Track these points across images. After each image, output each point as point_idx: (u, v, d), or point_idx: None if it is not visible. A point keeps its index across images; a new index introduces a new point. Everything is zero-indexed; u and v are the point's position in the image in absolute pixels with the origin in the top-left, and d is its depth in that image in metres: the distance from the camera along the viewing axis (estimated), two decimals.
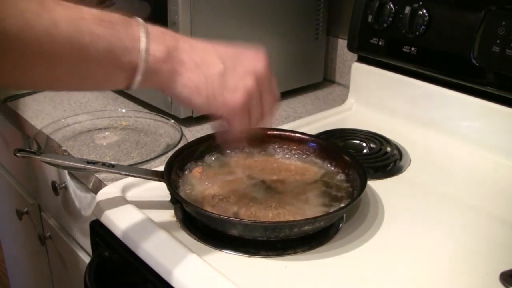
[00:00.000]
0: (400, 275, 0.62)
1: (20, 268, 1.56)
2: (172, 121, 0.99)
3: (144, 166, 0.85)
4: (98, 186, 0.82)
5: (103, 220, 0.71)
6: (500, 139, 0.87)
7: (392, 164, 0.86)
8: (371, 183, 0.79)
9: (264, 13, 1.06)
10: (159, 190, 0.74)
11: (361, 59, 1.08)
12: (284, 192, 0.74)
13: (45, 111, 1.08)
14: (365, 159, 0.85)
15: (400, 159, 0.88)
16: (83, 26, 0.51)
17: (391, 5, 0.96)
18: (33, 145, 0.98)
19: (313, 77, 1.22)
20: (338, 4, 1.21)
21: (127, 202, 0.73)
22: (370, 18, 1.00)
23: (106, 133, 0.99)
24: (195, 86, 0.59)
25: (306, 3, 1.13)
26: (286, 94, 1.16)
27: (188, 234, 0.68)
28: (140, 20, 0.57)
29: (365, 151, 0.90)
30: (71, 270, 1.13)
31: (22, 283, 1.60)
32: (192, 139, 0.84)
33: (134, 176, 0.74)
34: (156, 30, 0.57)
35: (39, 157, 0.74)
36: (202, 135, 0.85)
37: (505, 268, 0.62)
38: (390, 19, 0.97)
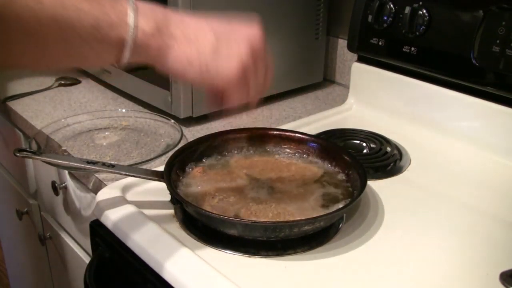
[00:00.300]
0: (400, 275, 0.62)
1: (20, 268, 1.56)
2: (172, 121, 0.99)
3: (144, 166, 0.85)
4: (98, 186, 0.82)
5: (103, 220, 0.71)
6: (500, 139, 0.87)
7: (392, 164, 0.86)
8: (371, 183, 0.79)
9: (264, 13, 1.05)
10: (159, 190, 0.74)
11: (361, 59, 1.08)
12: (284, 192, 0.74)
13: (45, 111, 1.08)
14: (365, 159, 0.85)
15: (400, 159, 0.88)
16: (68, 2, 0.51)
17: (391, 5, 0.96)
18: (33, 145, 0.98)
19: (313, 77, 1.22)
20: (338, 4, 1.21)
21: (127, 202, 0.73)
22: (370, 18, 1.00)
23: (106, 133, 0.99)
24: (187, 59, 0.58)
25: (306, 3, 1.13)
26: (286, 94, 1.16)
27: (188, 234, 0.68)
28: None
29: (365, 151, 0.90)
30: (71, 270, 1.13)
31: (22, 283, 1.60)
32: (192, 139, 0.84)
33: (134, 176, 0.74)
34: (145, 5, 0.56)
35: (39, 157, 0.74)
36: (202, 135, 0.85)
37: (505, 268, 0.62)
38: (390, 19, 0.97)
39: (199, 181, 0.76)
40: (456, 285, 0.61)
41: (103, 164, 0.72)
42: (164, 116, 1.01)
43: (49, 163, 0.83)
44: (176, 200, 0.71)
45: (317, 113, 1.06)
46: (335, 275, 0.62)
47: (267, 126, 1.02)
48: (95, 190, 0.81)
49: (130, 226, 0.68)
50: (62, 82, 1.22)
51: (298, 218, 0.65)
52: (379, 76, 1.03)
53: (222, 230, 0.66)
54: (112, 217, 0.70)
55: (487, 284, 0.61)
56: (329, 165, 0.80)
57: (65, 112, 1.07)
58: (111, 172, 0.74)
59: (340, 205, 0.70)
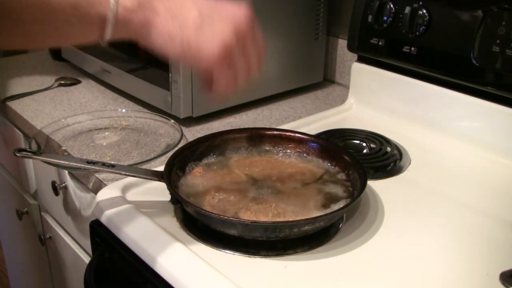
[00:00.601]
0: (400, 275, 0.62)
1: (20, 268, 1.56)
2: (172, 121, 0.99)
3: (144, 166, 0.85)
4: (98, 186, 0.82)
5: (103, 220, 0.71)
6: (500, 139, 0.87)
7: (392, 164, 0.86)
8: (371, 183, 0.79)
9: (264, 13, 1.05)
10: (159, 190, 0.74)
11: (361, 59, 1.08)
12: (284, 192, 0.74)
13: (45, 111, 1.08)
14: (365, 159, 0.85)
15: (400, 159, 0.88)
16: None
17: (391, 5, 0.96)
18: (33, 145, 0.98)
19: (313, 77, 1.22)
20: (338, 4, 1.21)
21: (127, 202, 0.73)
22: (370, 18, 1.00)
23: (106, 133, 0.99)
24: (169, 35, 0.57)
25: (306, 3, 1.13)
26: (286, 94, 1.16)
27: (188, 234, 0.68)
28: None
29: (365, 151, 0.90)
30: (71, 270, 1.13)
31: (22, 283, 1.60)
32: (192, 139, 0.84)
33: (134, 176, 0.74)
34: None
35: (39, 157, 0.74)
36: (202, 135, 0.85)
37: (505, 268, 0.62)
38: (390, 19, 0.97)
39: (199, 181, 0.76)
40: (456, 285, 0.61)
41: (103, 164, 0.72)
42: (164, 116, 1.01)
43: (49, 163, 0.83)
44: (176, 200, 0.71)
45: (317, 113, 1.06)
46: (335, 275, 0.62)
47: (267, 126, 1.02)
48: (95, 190, 0.81)
49: (130, 226, 0.68)
50: (62, 82, 1.22)
51: (298, 218, 0.65)
52: (379, 76, 1.03)
53: (222, 230, 0.66)
54: (112, 217, 0.70)
55: (487, 284, 0.61)
56: (329, 165, 0.80)
57: (65, 112, 1.07)
58: (111, 172, 0.74)
59: (340, 205, 0.70)
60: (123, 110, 1.07)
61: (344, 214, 0.71)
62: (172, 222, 0.70)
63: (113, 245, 0.70)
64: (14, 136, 1.18)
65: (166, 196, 0.73)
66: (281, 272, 0.62)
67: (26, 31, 0.53)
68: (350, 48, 1.07)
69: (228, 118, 1.06)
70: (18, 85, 1.21)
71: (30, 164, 1.17)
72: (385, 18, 0.97)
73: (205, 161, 0.81)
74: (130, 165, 0.84)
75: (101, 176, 0.83)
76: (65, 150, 0.93)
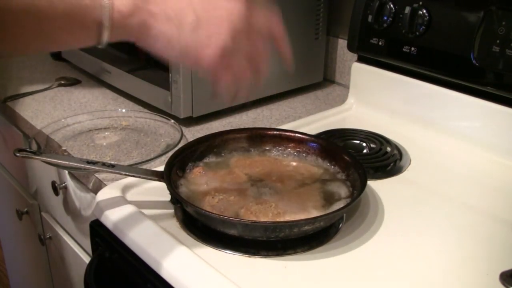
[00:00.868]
0: (400, 274, 0.62)
1: (20, 268, 1.56)
2: (172, 121, 0.99)
3: (144, 166, 0.85)
4: (98, 186, 0.82)
5: (103, 220, 0.71)
6: (500, 139, 0.87)
7: (392, 164, 0.86)
8: (371, 183, 0.79)
9: None
10: (159, 190, 0.74)
11: (361, 59, 1.08)
12: (284, 192, 0.74)
13: (45, 111, 1.08)
14: (365, 159, 0.85)
15: (400, 159, 0.88)
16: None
17: (391, 5, 0.96)
18: (33, 145, 0.98)
19: (313, 77, 1.22)
20: (338, 4, 1.21)
21: (127, 202, 0.73)
22: (370, 18, 1.00)
23: (106, 133, 0.99)
24: (167, 39, 0.57)
25: (306, 3, 1.13)
26: (286, 94, 1.16)
27: (188, 234, 0.68)
28: None
29: (365, 151, 0.90)
30: (71, 270, 1.12)
31: (22, 283, 1.60)
32: (192, 139, 0.84)
33: (134, 176, 0.74)
34: None
35: (39, 157, 0.74)
36: (202, 135, 0.85)
37: (505, 268, 0.62)
38: (390, 19, 0.97)
39: (199, 181, 0.76)
40: (456, 285, 0.61)
41: (103, 164, 0.72)
42: (164, 116, 1.01)
43: (49, 163, 0.83)
44: (176, 200, 0.71)
45: (317, 113, 1.06)
46: (335, 275, 0.62)
47: (267, 126, 1.02)
48: (95, 190, 0.81)
49: (130, 226, 0.68)
50: (62, 82, 1.22)
51: (298, 218, 0.65)
52: (379, 76, 1.03)
53: (222, 230, 0.66)
54: (112, 217, 0.70)
55: (487, 284, 0.61)
56: (329, 165, 0.80)
57: (65, 112, 1.07)
58: (111, 172, 0.74)
59: (340, 205, 0.70)
60: (123, 110, 1.07)
61: (344, 214, 0.71)
62: (172, 222, 0.70)
63: (113, 245, 0.70)
64: (14, 136, 1.18)
65: (166, 196, 0.73)
66: (281, 272, 0.62)
67: (18, 38, 0.52)
68: (350, 48, 1.07)
69: (228, 118, 1.06)
70: (18, 85, 1.21)
71: (30, 164, 1.17)
72: (385, 18, 0.97)
73: (205, 161, 0.81)
74: (130, 165, 0.84)
75: (101, 176, 0.83)
76: (65, 150, 0.93)
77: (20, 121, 1.08)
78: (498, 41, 0.83)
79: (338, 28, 1.22)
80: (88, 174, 0.86)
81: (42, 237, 1.20)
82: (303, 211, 0.69)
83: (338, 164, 0.79)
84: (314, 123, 1.00)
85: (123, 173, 0.73)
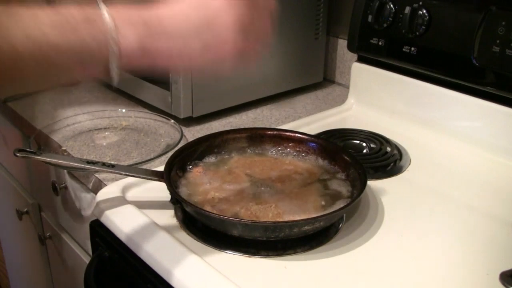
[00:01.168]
0: (400, 274, 0.62)
1: (20, 268, 1.56)
2: (172, 121, 0.99)
3: (144, 166, 0.85)
4: (98, 186, 0.82)
5: (103, 220, 0.71)
6: (500, 139, 0.87)
7: (392, 164, 0.86)
8: (371, 183, 0.79)
9: None
10: (159, 190, 0.74)
11: (361, 59, 1.08)
12: (284, 192, 0.74)
13: (45, 111, 1.08)
14: (365, 159, 0.85)
15: (400, 159, 0.88)
16: (44, 45, 0.49)
17: (391, 5, 0.96)
18: (33, 145, 0.98)
19: (313, 77, 1.22)
20: (338, 4, 1.21)
21: (127, 202, 0.73)
22: (370, 18, 1.00)
23: (106, 133, 0.99)
24: (179, 63, 0.58)
25: (306, 3, 1.13)
26: (286, 94, 1.16)
27: (188, 234, 0.68)
28: (104, 12, 0.53)
29: (365, 151, 0.90)
30: (71, 270, 1.13)
31: (22, 283, 1.60)
32: (192, 139, 0.84)
33: (134, 176, 0.74)
34: (123, 20, 0.54)
35: (39, 157, 0.74)
36: (202, 135, 0.85)
37: (505, 268, 0.62)
38: (390, 19, 0.97)
39: (199, 181, 0.76)
40: (456, 285, 0.61)
41: (103, 164, 0.72)
42: (164, 116, 1.01)
43: (49, 163, 0.83)
44: (176, 200, 0.71)
45: (317, 113, 1.06)
46: (335, 275, 0.62)
47: (267, 126, 1.02)
48: (95, 190, 0.81)
49: (130, 226, 0.68)
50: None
51: (298, 218, 0.65)
52: (379, 76, 1.03)
53: (222, 230, 0.66)
54: (112, 217, 0.70)
55: (487, 284, 0.61)
56: (329, 165, 0.80)
57: (65, 112, 1.07)
58: (111, 172, 0.74)
59: (340, 205, 0.70)
60: (123, 110, 1.07)
61: (344, 214, 0.71)
62: (172, 222, 0.70)
63: (113, 245, 0.70)
64: (14, 136, 1.18)
65: (166, 196, 0.73)
66: (281, 272, 0.62)
67: (20, 81, 0.53)
68: (350, 48, 1.07)
69: (228, 118, 1.06)
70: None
71: (30, 164, 1.17)
72: (385, 18, 0.97)
73: (205, 161, 0.81)
74: (130, 165, 0.84)
75: (101, 176, 0.83)
76: (65, 150, 0.93)
77: (20, 121, 1.08)
78: (498, 41, 0.83)
79: (338, 28, 1.22)
80: (88, 174, 0.86)
81: (42, 237, 1.20)
82: (303, 211, 0.69)
83: (338, 164, 0.79)
84: (314, 123, 1.00)
85: (123, 173, 0.73)
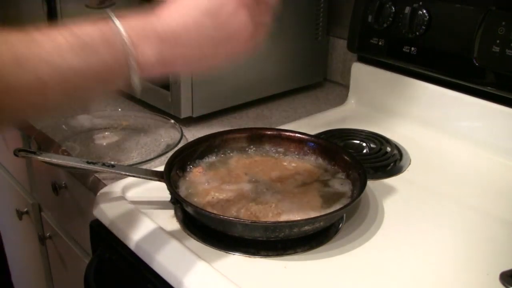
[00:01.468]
0: (400, 275, 0.62)
1: (20, 268, 1.56)
2: (172, 121, 0.99)
3: (144, 166, 0.85)
4: (98, 186, 0.82)
5: (103, 220, 0.71)
6: (500, 139, 0.87)
7: (392, 164, 0.86)
8: (371, 183, 0.79)
9: None
10: (159, 190, 0.74)
11: (361, 59, 1.08)
12: (284, 192, 0.74)
13: None
14: (365, 159, 0.85)
15: (400, 159, 0.88)
16: (67, 71, 0.50)
17: (391, 5, 0.96)
18: (33, 145, 0.98)
19: (313, 77, 1.22)
20: (338, 4, 1.21)
21: (127, 202, 0.73)
22: (370, 18, 1.00)
23: (106, 133, 0.99)
24: (200, 64, 0.60)
25: (306, 3, 1.13)
26: (286, 94, 1.16)
27: (188, 234, 0.68)
28: (121, 30, 0.53)
29: (365, 151, 0.90)
30: (71, 270, 1.13)
31: (22, 283, 1.60)
32: (192, 139, 0.84)
33: (134, 176, 0.74)
34: (139, 35, 0.54)
35: (39, 157, 0.74)
36: (202, 135, 0.85)
37: (505, 268, 0.62)
38: (390, 19, 0.97)
39: (199, 181, 0.76)
40: (456, 285, 0.61)
41: (103, 164, 0.72)
42: (164, 116, 1.01)
43: (49, 163, 0.83)
44: (176, 200, 0.71)
45: (317, 113, 1.06)
46: (335, 275, 0.62)
47: (267, 126, 1.02)
48: (95, 190, 0.81)
49: (130, 226, 0.68)
50: None
51: (298, 218, 0.65)
52: (379, 76, 1.03)
53: (222, 230, 0.66)
54: (112, 217, 0.70)
55: (487, 284, 0.61)
56: (329, 165, 0.80)
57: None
58: (111, 172, 0.74)
59: (340, 205, 0.70)
60: (123, 110, 1.07)
61: (344, 214, 0.71)
62: (172, 222, 0.70)
63: (113, 245, 0.70)
64: (14, 136, 1.18)
65: (166, 196, 0.73)
66: (281, 272, 0.62)
67: (52, 109, 0.55)
68: (350, 48, 1.07)
69: (228, 118, 1.06)
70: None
71: (30, 164, 1.17)
72: (385, 18, 0.97)
73: (205, 161, 0.81)
74: (130, 165, 0.84)
75: (101, 176, 0.83)
76: (65, 150, 0.93)
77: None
78: (498, 41, 0.83)
79: (338, 28, 1.22)
80: (88, 174, 0.85)
81: (42, 237, 1.20)
82: (303, 211, 0.69)
83: (338, 164, 0.79)
84: (314, 123, 1.00)
85: (123, 173, 0.73)
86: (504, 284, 0.60)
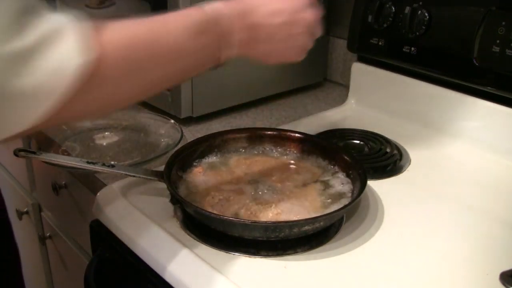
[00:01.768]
0: (400, 275, 0.62)
1: None
2: (172, 121, 0.99)
3: (144, 166, 0.84)
4: (98, 186, 0.82)
5: (103, 220, 0.72)
6: (500, 139, 0.87)
7: (392, 164, 0.86)
8: (371, 183, 0.79)
9: None
10: (159, 190, 0.74)
11: (361, 59, 1.08)
12: (284, 192, 0.74)
13: None
14: (365, 159, 0.85)
15: (400, 159, 0.88)
16: (183, 52, 0.56)
17: (391, 5, 0.96)
18: (33, 145, 0.98)
19: (313, 77, 1.22)
20: (338, 4, 1.21)
21: (127, 202, 0.73)
22: (370, 18, 1.00)
23: (106, 133, 0.99)
24: (275, 60, 0.71)
25: None
26: (286, 94, 1.16)
27: (188, 234, 0.68)
28: (223, 12, 0.59)
29: (365, 151, 0.90)
30: (71, 270, 1.13)
31: None
32: (192, 139, 0.84)
33: (134, 176, 0.74)
34: (235, 17, 0.60)
35: (39, 157, 0.74)
36: (202, 135, 0.85)
37: (505, 268, 0.62)
38: (390, 19, 0.97)
39: (199, 181, 0.76)
40: (456, 285, 0.61)
41: (103, 164, 0.72)
42: (164, 116, 1.01)
43: (49, 163, 0.83)
44: (176, 200, 0.71)
45: (317, 113, 1.06)
46: (335, 275, 0.62)
47: (267, 126, 1.02)
48: (95, 190, 0.81)
49: (130, 226, 0.68)
50: None
51: (298, 218, 0.65)
52: (379, 76, 1.03)
53: (222, 230, 0.66)
54: (112, 217, 0.70)
55: (487, 284, 0.61)
56: (329, 165, 0.80)
57: None
58: (111, 172, 0.74)
59: (340, 205, 0.70)
60: (123, 110, 1.06)
61: (344, 214, 0.71)
62: (172, 222, 0.70)
63: (113, 245, 0.70)
64: None
65: (166, 196, 0.73)
66: (281, 272, 0.62)
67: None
68: (350, 48, 1.07)
69: (228, 118, 1.06)
70: None
71: (30, 164, 1.17)
72: (385, 18, 0.97)
73: (205, 161, 0.81)
74: (130, 165, 0.84)
75: (101, 176, 0.83)
76: (65, 150, 0.93)
77: None
78: (498, 41, 0.83)
79: (338, 28, 1.22)
80: (88, 174, 0.85)
81: (42, 237, 1.20)
82: (303, 211, 0.69)
83: (338, 164, 0.79)
84: (314, 123, 1.00)
85: (123, 173, 0.73)
86: (504, 284, 0.60)
